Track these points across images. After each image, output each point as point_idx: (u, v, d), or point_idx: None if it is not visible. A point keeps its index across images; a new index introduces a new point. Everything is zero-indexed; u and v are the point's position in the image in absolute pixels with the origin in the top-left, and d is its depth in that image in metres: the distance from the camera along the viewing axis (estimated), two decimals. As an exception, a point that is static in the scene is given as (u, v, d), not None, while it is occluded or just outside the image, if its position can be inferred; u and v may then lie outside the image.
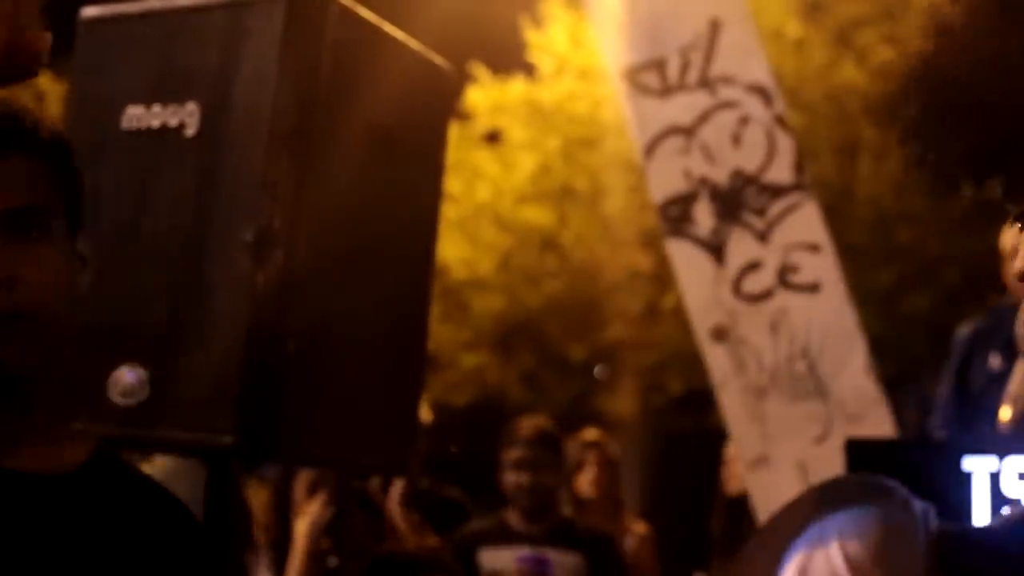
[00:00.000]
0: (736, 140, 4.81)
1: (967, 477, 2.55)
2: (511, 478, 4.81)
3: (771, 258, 4.75)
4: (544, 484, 4.80)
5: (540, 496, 4.78)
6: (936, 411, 4.63)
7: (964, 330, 4.60)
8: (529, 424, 5.04)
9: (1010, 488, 2.56)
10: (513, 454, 4.84)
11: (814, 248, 4.75)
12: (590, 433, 5.94)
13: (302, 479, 4.04)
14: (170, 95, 2.40)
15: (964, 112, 1.11)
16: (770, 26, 11.41)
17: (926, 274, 12.27)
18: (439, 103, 2.74)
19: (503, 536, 4.70)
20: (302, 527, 3.62)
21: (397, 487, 4.45)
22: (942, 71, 1.12)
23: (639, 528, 5.91)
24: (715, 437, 5.60)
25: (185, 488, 2.40)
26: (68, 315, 1.52)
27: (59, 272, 1.51)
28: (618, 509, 5.82)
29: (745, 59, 4.85)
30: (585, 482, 5.56)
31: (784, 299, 4.73)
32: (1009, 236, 4.20)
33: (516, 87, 13.47)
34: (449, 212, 11.91)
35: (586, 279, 13.14)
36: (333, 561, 3.39)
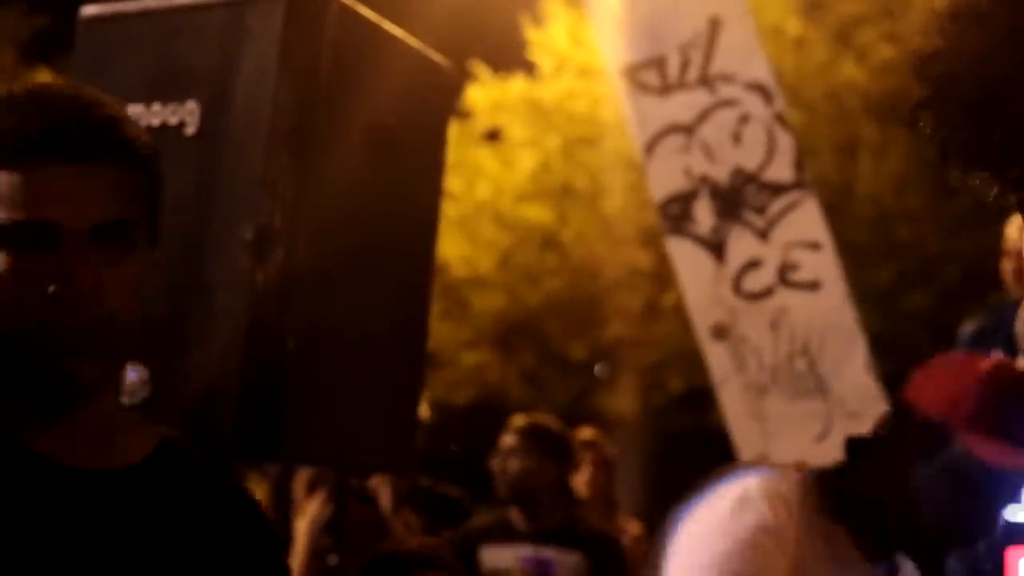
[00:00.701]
0: (736, 138, 4.81)
1: (967, 475, 2.54)
2: (496, 465, 4.76)
3: (771, 256, 4.75)
4: (528, 475, 4.70)
5: (522, 485, 4.69)
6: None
7: (967, 328, 4.60)
8: (528, 417, 5.03)
9: (1010, 486, 2.55)
10: (504, 442, 4.81)
11: (814, 246, 4.76)
12: (585, 432, 5.92)
13: (301, 477, 4.04)
14: (170, 93, 2.40)
15: (979, 96, 1.11)
16: (770, 24, 11.40)
17: (926, 272, 12.27)
18: (439, 101, 2.74)
19: (504, 534, 4.68)
20: (302, 525, 3.62)
21: (386, 490, 4.45)
22: (958, 54, 1.12)
23: (633, 528, 5.90)
24: (716, 435, 5.60)
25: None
26: (137, 325, 1.49)
27: (137, 286, 1.48)
28: (612, 509, 5.82)
29: (745, 57, 4.85)
30: (580, 482, 5.55)
31: (784, 297, 4.73)
32: (1015, 229, 4.20)
33: (516, 85, 13.47)
34: (449, 210, 11.91)
35: (586, 277, 13.15)
36: (333, 559, 3.39)
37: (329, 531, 3.47)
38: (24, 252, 1.42)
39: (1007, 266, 4.29)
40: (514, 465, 4.73)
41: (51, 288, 1.41)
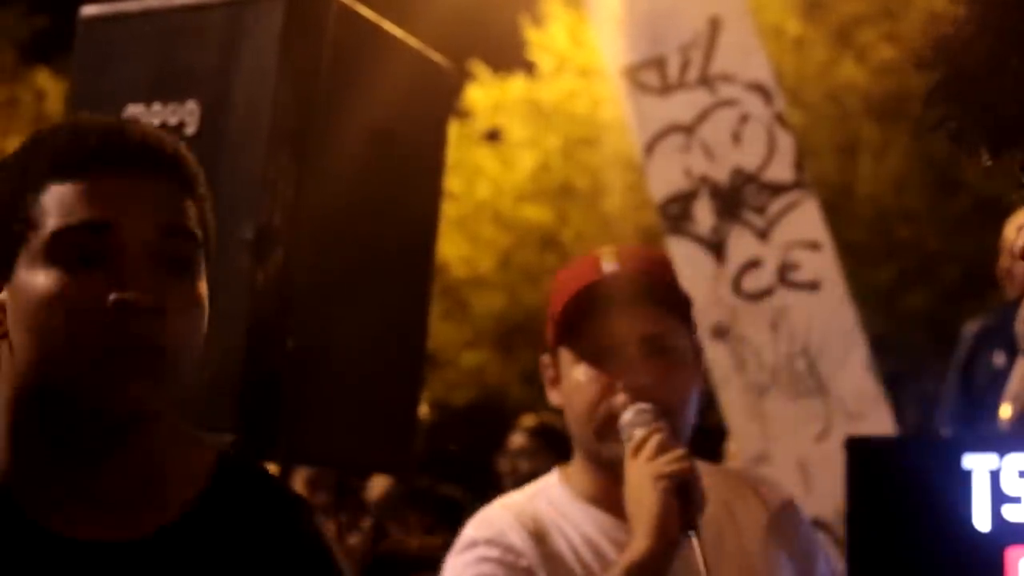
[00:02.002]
0: (736, 138, 4.80)
1: (967, 475, 2.55)
2: (507, 465, 4.76)
3: (771, 256, 4.75)
4: (540, 473, 4.72)
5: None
6: (940, 408, 4.64)
7: (970, 327, 4.61)
8: (536, 417, 5.04)
9: (1010, 486, 2.55)
10: (514, 443, 4.82)
11: (814, 246, 4.75)
12: None
13: (300, 475, 4.04)
14: (170, 93, 2.40)
15: (987, 78, 1.11)
16: (770, 24, 11.41)
17: (926, 272, 12.27)
18: (439, 101, 2.74)
19: None
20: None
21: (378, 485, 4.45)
22: (966, 38, 1.13)
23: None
24: (715, 435, 5.60)
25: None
26: (196, 361, 1.37)
27: (199, 311, 1.37)
28: None
29: (745, 57, 4.85)
30: None
31: (784, 297, 4.72)
32: (1012, 228, 4.20)
33: (516, 85, 13.48)
34: (449, 210, 11.91)
35: (586, 277, 13.13)
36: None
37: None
38: (80, 269, 1.31)
39: (1004, 265, 4.29)
40: (524, 466, 4.74)
41: (112, 296, 1.29)
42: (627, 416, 1.97)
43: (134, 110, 2.41)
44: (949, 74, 1.14)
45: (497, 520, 2.09)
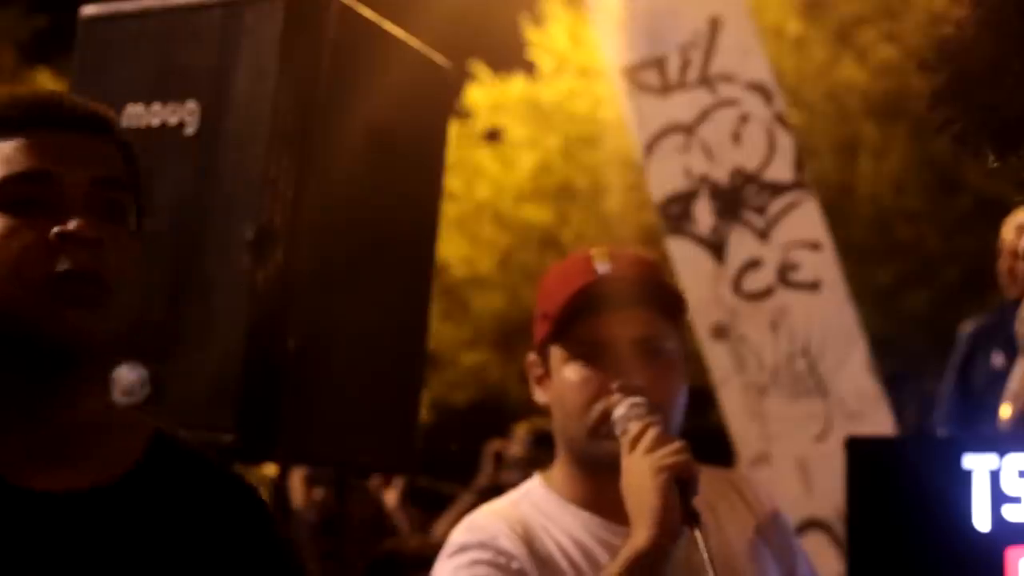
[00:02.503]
0: (736, 138, 4.81)
1: (967, 475, 2.55)
2: (507, 477, 4.76)
3: (771, 256, 4.75)
4: None
5: None
6: (939, 408, 4.64)
7: (967, 328, 4.60)
8: (528, 425, 5.04)
9: (1010, 486, 2.55)
10: (512, 451, 4.82)
11: (814, 246, 4.75)
12: None
13: (297, 472, 4.05)
14: (170, 93, 2.40)
15: (990, 80, 1.11)
16: (770, 24, 11.41)
17: (926, 272, 12.27)
18: (439, 101, 2.74)
19: None
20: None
21: (392, 488, 4.45)
22: (968, 40, 1.13)
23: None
24: (715, 435, 5.60)
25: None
26: (132, 309, 1.47)
27: (133, 252, 1.47)
28: None
29: (745, 57, 4.85)
30: None
31: (784, 297, 4.73)
32: (1009, 229, 4.20)
33: (516, 85, 13.48)
34: (449, 210, 11.91)
35: (586, 277, 13.12)
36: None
37: (329, 531, 3.47)
38: (23, 214, 1.41)
39: (1005, 265, 4.29)
40: (518, 477, 4.73)
41: (55, 229, 1.39)
42: (620, 410, 1.98)
43: (134, 110, 2.41)
44: (953, 75, 1.15)
45: (487, 525, 2.09)
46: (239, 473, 1.59)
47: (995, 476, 2.56)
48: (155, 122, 2.40)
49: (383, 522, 4.68)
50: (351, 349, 2.45)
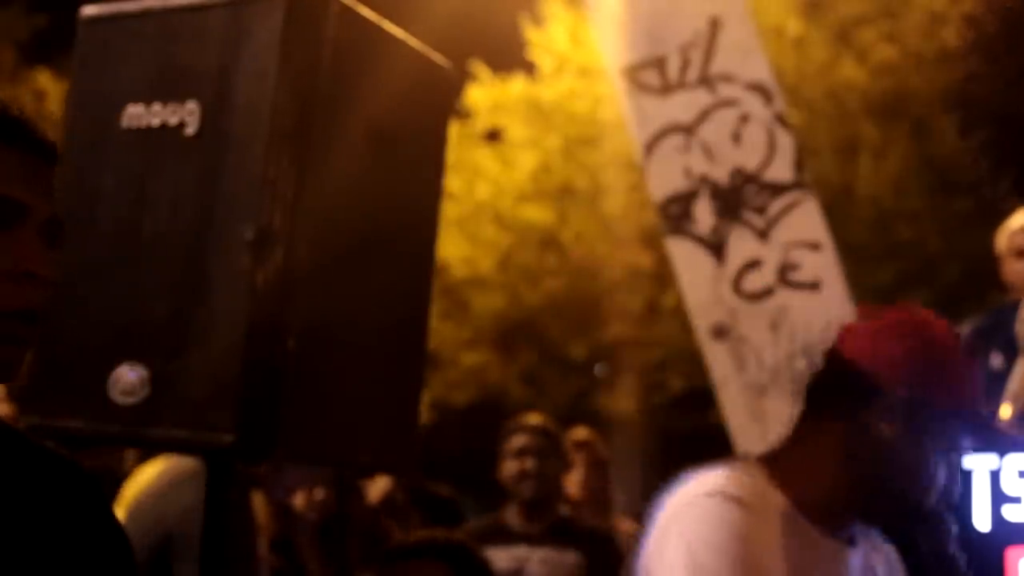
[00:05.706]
0: (736, 138, 4.81)
1: (967, 475, 2.55)
2: (513, 466, 4.72)
3: (771, 256, 4.75)
4: (547, 472, 4.71)
5: (543, 484, 4.68)
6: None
7: (965, 329, 4.60)
8: (531, 417, 5.03)
9: (1010, 486, 2.56)
10: (516, 442, 4.77)
11: (814, 246, 4.76)
12: (579, 433, 5.86)
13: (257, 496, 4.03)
14: (170, 94, 2.40)
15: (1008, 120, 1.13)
16: (770, 24, 11.41)
17: (926, 272, 12.27)
18: (439, 101, 2.74)
19: (500, 536, 4.67)
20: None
21: (378, 485, 4.44)
22: (988, 80, 1.14)
23: (628, 527, 5.88)
24: (716, 435, 5.61)
25: (197, 491, 2.41)
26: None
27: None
28: (606, 509, 5.79)
29: (745, 57, 4.85)
30: (573, 483, 5.51)
31: (784, 297, 4.73)
32: (1004, 236, 4.20)
33: (516, 85, 13.48)
34: (449, 211, 11.92)
35: (586, 277, 13.15)
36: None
37: (330, 531, 3.47)
38: None
39: (1006, 267, 4.29)
40: (536, 464, 4.70)
41: (22, 266, 1.41)
42: None
43: (134, 110, 2.41)
44: (971, 109, 1.16)
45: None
46: (72, 459, 1.58)
47: (995, 476, 2.56)
48: (155, 122, 2.40)
49: (383, 522, 4.68)
50: (351, 349, 2.45)
